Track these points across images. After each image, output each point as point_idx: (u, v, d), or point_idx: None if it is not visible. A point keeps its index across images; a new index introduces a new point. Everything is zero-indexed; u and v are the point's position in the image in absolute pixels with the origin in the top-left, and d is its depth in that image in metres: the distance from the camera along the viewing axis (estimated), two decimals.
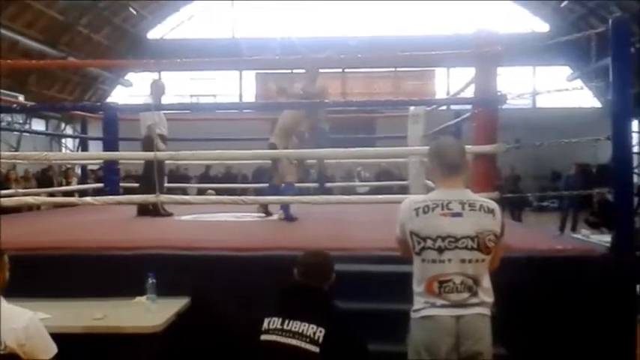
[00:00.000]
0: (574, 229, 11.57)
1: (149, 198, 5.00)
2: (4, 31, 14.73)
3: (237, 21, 20.41)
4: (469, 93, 4.62)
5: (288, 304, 2.46)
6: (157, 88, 6.32)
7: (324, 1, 20.08)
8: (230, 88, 20.67)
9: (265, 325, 2.39)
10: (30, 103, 9.79)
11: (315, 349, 2.28)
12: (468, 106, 4.56)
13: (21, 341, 2.19)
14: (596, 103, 19.22)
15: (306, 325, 2.33)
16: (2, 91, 12.71)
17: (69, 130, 17.97)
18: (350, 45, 17.83)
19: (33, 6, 15.31)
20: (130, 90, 20.27)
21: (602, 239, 4.26)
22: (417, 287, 2.26)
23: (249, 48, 17.43)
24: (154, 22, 20.41)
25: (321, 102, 5.35)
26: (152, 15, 19.99)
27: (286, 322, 2.36)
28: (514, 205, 11.88)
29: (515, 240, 3.49)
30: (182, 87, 20.27)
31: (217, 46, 18.09)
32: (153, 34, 20.67)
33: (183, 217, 5.67)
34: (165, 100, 6.36)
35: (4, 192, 6.22)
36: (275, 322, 2.37)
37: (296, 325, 2.34)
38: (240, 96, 20.64)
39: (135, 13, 18.97)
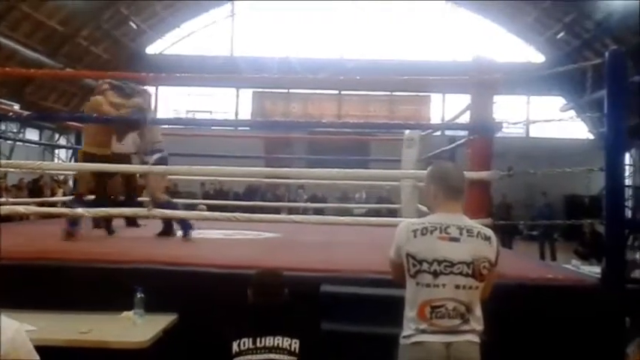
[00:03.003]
0: (554, 258, 11.67)
1: (141, 212, 4.98)
2: (3, 40, 14.76)
3: (236, 39, 20.54)
4: (464, 119, 4.65)
5: (254, 322, 2.52)
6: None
7: (323, 23, 20.29)
8: (226, 105, 20.73)
9: (235, 347, 2.42)
10: (25, 112, 9.74)
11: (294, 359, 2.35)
12: (463, 132, 4.60)
13: (7, 353, 2.15)
14: (588, 134, 19.40)
15: (280, 338, 2.42)
16: None
17: (63, 141, 17.92)
18: (347, 67, 17.99)
19: (34, 16, 15.37)
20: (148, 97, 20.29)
21: (592, 270, 4.26)
22: (409, 311, 2.24)
23: (247, 66, 17.54)
24: (153, 37, 20.52)
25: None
26: (152, 30, 20.10)
27: (258, 339, 2.42)
28: (505, 233, 11.92)
29: (506, 267, 3.49)
30: (179, 102, 20.33)
31: (215, 63, 18.21)
32: (152, 48, 20.77)
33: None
34: (161, 114, 6.40)
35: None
36: (246, 343, 2.42)
37: (269, 341, 2.40)
38: (237, 113, 20.69)
39: (135, 27, 19.06)
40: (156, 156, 5.16)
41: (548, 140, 19.05)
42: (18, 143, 14.60)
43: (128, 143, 6.06)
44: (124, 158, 5.90)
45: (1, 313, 2.38)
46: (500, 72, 4.03)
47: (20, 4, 14.56)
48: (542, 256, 11.71)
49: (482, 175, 3.82)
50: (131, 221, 6.12)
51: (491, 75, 3.93)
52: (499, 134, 4.22)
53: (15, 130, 15.12)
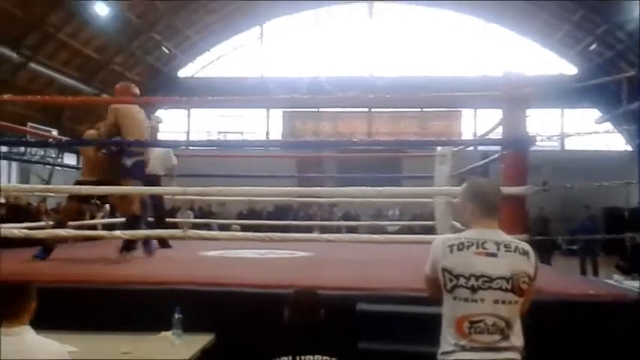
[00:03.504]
0: (596, 273, 11.34)
1: (176, 233, 5.05)
2: (41, 69, 15.28)
3: (266, 60, 20.83)
4: (497, 134, 4.61)
5: (292, 341, 2.53)
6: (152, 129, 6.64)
7: (351, 41, 20.43)
8: (257, 125, 20.95)
9: None
10: (64, 138, 10.02)
11: None
12: (496, 147, 4.55)
13: None
14: (626, 146, 19.00)
15: (319, 357, 2.42)
16: (36, 125, 13.10)
17: None
18: (377, 85, 18.04)
19: (70, 45, 15.88)
20: (159, 126, 20.67)
21: (635, 285, 4.15)
22: (447, 327, 2.21)
23: (277, 86, 17.74)
24: (185, 61, 20.95)
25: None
26: (183, 54, 20.54)
27: (297, 358, 2.41)
28: (543, 248, 11.67)
29: (545, 283, 3.43)
30: (211, 124, 20.64)
31: (246, 84, 18.47)
32: (184, 72, 21.21)
33: (209, 253, 5.69)
34: (194, 136, 6.53)
35: (34, 224, 6.35)
36: None
37: (309, 359, 2.38)
38: (267, 133, 20.89)
39: (167, 52, 19.51)
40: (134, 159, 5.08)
41: (584, 153, 18.71)
42: (57, 168, 14.99)
43: (155, 165, 6.19)
44: (153, 179, 6.02)
45: (44, 335, 2.45)
46: (531, 86, 3.98)
47: (58, 33, 15.08)
48: (584, 272, 11.37)
49: (517, 190, 3.77)
50: (163, 242, 6.18)
51: (522, 89, 3.89)
52: (533, 148, 4.16)
53: (54, 155, 15.53)
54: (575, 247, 13.25)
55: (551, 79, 19.04)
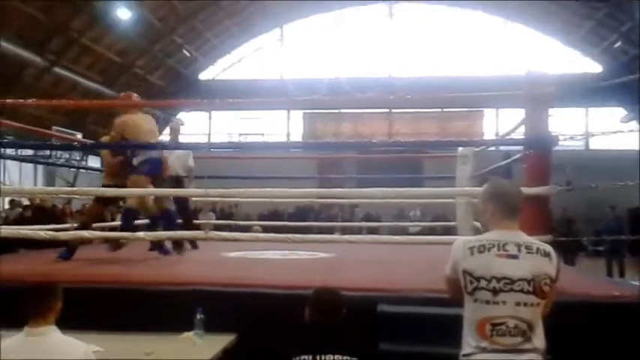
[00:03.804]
0: (622, 274, 11.13)
1: (198, 234, 5.10)
2: (65, 73, 15.53)
3: (286, 62, 20.89)
4: (519, 134, 4.57)
5: (313, 341, 2.52)
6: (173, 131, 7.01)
7: (371, 42, 20.40)
8: (278, 127, 21.03)
9: None
10: (88, 141, 10.16)
11: None
12: (518, 147, 4.51)
13: None
14: None
15: (339, 357, 2.41)
16: (61, 129, 13.32)
17: None
18: (397, 85, 17.98)
19: (93, 49, 16.11)
20: (181, 128, 20.85)
21: None
22: (468, 330, 2.20)
23: (297, 88, 17.78)
24: (205, 64, 21.13)
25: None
26: (204, 57, 20.71)
27: (318, 357, 2.41)
28: (567, 249, 11.51)
29: (569, 284, 3.39)
30: (231, 126, 20.78)
31: (266, 86, 18.55)
32: (205, 75, 21.38)
33: (231, 254, 5.73)
34: (215, 138, 6.64)
35: (59, 226, 6.46)
36: None
37: (329, 358, 2.38)
38: (288, 135, 20.96)
39: (189, 55, 19.69)
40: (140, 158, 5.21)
41: (609, 152, 18.41)
42: (81, 170, 15.21)
43: (175, 166, 6.26)
44: (175, 181, 6.11)
45: (69, 335, 2.49)
46: (553, 85, 3.94)
47: (81, 38, 15.31)
48: (610, 273, 11.17)
49: (539, 190, 3.72)
50: (192, 243, 6.25)
51: (545, 88, 3.85)
52: (557, 147, 4.11)
53: (78, 158, 15.76)
54: (601, 249, 13.05)
55: (575, 77, 18.76)
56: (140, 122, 5.37)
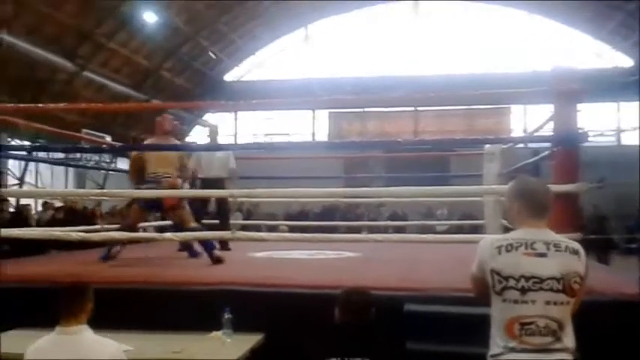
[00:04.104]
0: None
1: (225, 235, 5.15)
2: (94, 76, 15.81)
3: (311, 62, 20.91)
4: (548, 130, 4.50)
5: (342, 342, 2.51)
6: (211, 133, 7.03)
7: (397, 40, 20.30)
8: (304, 126, 21.06)
9: None
10: (117, 144, 10.33)
11: None
12: (547, 144, 4.44)
13: None
14: None
15: None
16: (91, 132, 13.54)
17: None
18: (422, 83, 17.85)
19: (121, 52, 16.37)
20: (207, 130, 21.03)
21: None
22: (496, 329, 2.17)
23: (322, 87, 17.78)
24: (231, 65, 21.26)
25: None
26: (229, 58, 20.85)
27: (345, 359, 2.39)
28: (599, 247, 11.28)
29: (599, 283, 3.33)
30: (257, 126, 20.88)
31: (291, 86, 18.59)
32: (230, 76, 21.52)
33: (258, 254, 5.76)
34: (241, 140, 6.72)
35: (90, 227, 6.58)
36: None
37: None
38: (314, 134, 20.98)
39: (214, 57, 19.85)
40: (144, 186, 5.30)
41: None
42: (110, 172, 15.45)
43: (216, 167, 6.33)
44: (216, 182, 6.17)
45: (100, 334, 2.54)
46: (581, 80, 3.87)
47: (109, 42, 15.57)
48: None
49: (569, 187, 3.66)
50: (223, 244, 6.29)
51: (573, 84, 3.79)
52: (588, 144, 4.04)
53: (108, 161, 16.01)
54: (634, 246, 12.76)
55: (607, 72, 18.38)
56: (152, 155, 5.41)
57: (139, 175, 5.43)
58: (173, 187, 5.25)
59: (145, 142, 5.44)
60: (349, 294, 2.70)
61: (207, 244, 5.11)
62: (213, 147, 6.94)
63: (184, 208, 5.27)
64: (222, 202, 6.45)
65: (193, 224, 5.19)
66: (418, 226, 11.18)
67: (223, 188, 6.25)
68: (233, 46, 20.37)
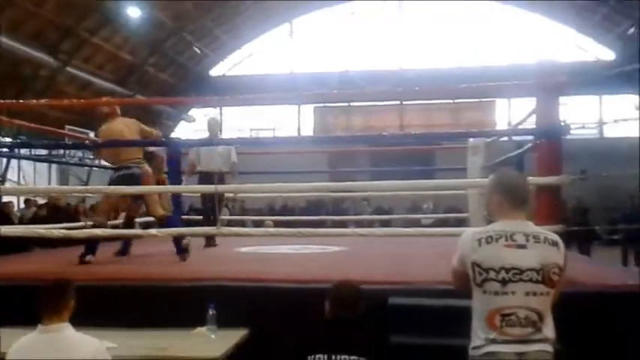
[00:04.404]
0: (638, 263, 11.00)
1: (210, 230, 5.12)
2: (78, 72, 15.64)
3: (296, 56, 20.86)
4: (531, 123, 4.53)
5: (329, 338, 2.49)
6: (213, 126, 6.86)
7: (380, 35, 20.30)
8: (289, 121, 21.01)
9: None
10: (99, 139, 10.22)
11: None
12: (530, 137, 4.47)
13: None
14: None
15: (355, 357, 2.38)
16: (74, 128, 13.42)
17: None
18: (407, 77, 17.89)
19: (105, 48, 16.21)
20: (192, 125, 20.93)
21: None
22: (477, 321, 2.19)
23: (307, 82, 17.75)
24: (216, 60, 21.15)
25: None
26: (214, 53, 20.73)
27: (332, 357, 2.38)
28: (581, 239, 11.41)
29: (581, 274, 3.36)
30: (242, 121, 20.80)
31: (276, 81, 18.53)
32: (215, 71, 21.41)
33: (243, 249, 5.75)
34: (226, 134, 6.64)
35: (73, 225, 6.51)
36: (321, 359, 2.39)
37: (344, 359, 2.36)
38: (299, 129, 20.94)
39: (199, 52, 19.72)
40: (119, 173, 5.11)
41: (624, 140, 18.16)
42: (94, 169, 15.30)
43: (217, 161, 6.27)
44: (217, 176, 6.11)
45: (82, 332, 2.52)
46: (564, 73, 3.89)
47: (92, 37, 15.40)
48: (625, 262, 11.08)
49: (551, 180, 3.69)
50: (210, 241, 6.25)
51: (555, 77, 3.81)
52: (570, 136, 4.07)
53: (91, 157, 15.86)
54: (616, 238, 12.92)
55: (589, 65, 18.54)
56: (112, 126, 5.24)
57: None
58: (146, 174, 5.15)
59: (101, 129, 5.31)
60: (339, 288, 2.68)
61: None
62: (196, 142, 6.88)
63: (152, 196, 5.15)
64: (219, 197, 6.33)
65: (161, 211, 5.11)
66: (404, 219, 11.23)
67: (224, 182, 6.21)
68: (218, 41, 20.25)
